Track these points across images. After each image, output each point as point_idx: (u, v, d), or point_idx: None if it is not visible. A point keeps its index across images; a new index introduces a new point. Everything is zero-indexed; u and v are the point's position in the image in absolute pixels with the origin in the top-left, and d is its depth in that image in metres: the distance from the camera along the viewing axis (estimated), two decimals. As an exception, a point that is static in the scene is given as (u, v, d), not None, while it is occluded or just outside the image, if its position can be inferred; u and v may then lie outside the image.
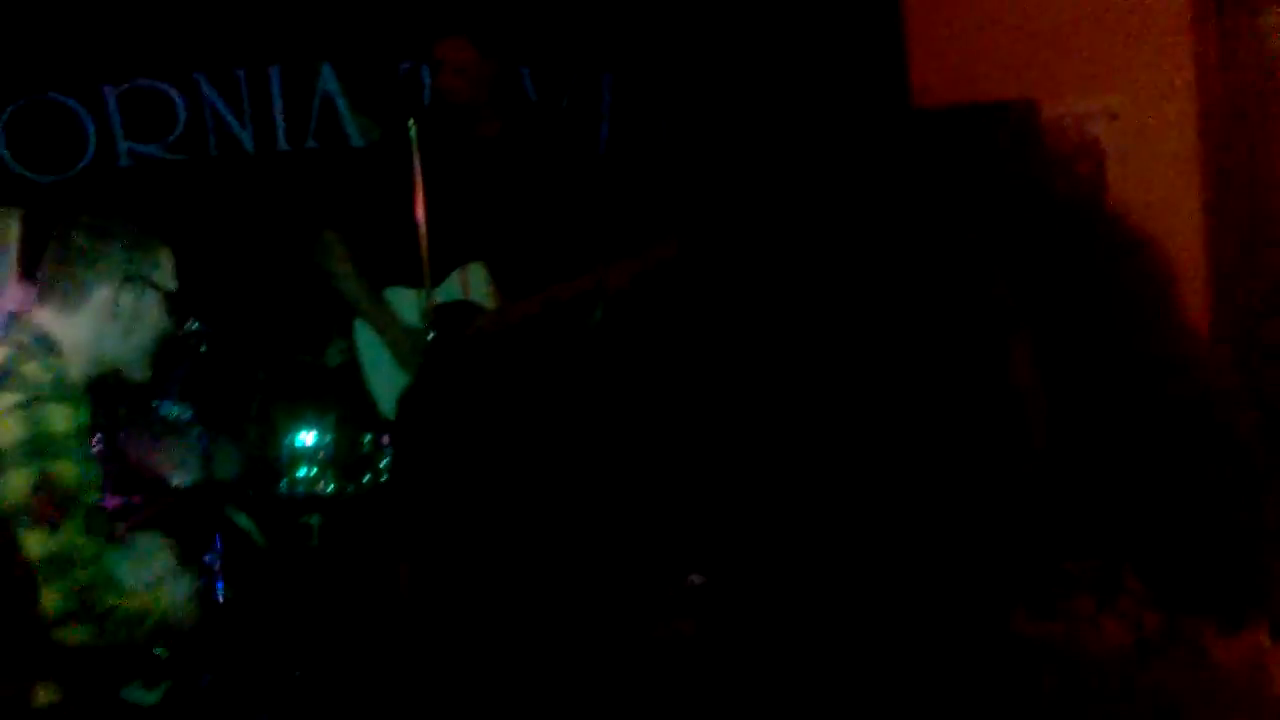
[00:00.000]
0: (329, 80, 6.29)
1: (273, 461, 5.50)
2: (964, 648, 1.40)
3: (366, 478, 5.46)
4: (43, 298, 4.03)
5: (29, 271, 4.85)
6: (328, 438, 5.45)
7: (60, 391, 3.83)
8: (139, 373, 4.16)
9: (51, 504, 3.72)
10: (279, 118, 6.28)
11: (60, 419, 3.78)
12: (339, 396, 5.62)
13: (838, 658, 1.40)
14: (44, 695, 3.92)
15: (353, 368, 5.59)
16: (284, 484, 5.47)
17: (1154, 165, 5.54)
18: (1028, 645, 1.34)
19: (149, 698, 4.51)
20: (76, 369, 3.96)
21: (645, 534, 4.76)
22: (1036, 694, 1.36)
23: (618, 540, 4.84)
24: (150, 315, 4.08)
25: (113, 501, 5.20)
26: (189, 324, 5.43)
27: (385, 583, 5.13)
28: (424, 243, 5.32)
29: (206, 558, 5.07)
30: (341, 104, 6.28)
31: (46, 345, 3.92)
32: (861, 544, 1.48)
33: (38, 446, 3.73)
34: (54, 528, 3.73)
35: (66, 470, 3.75)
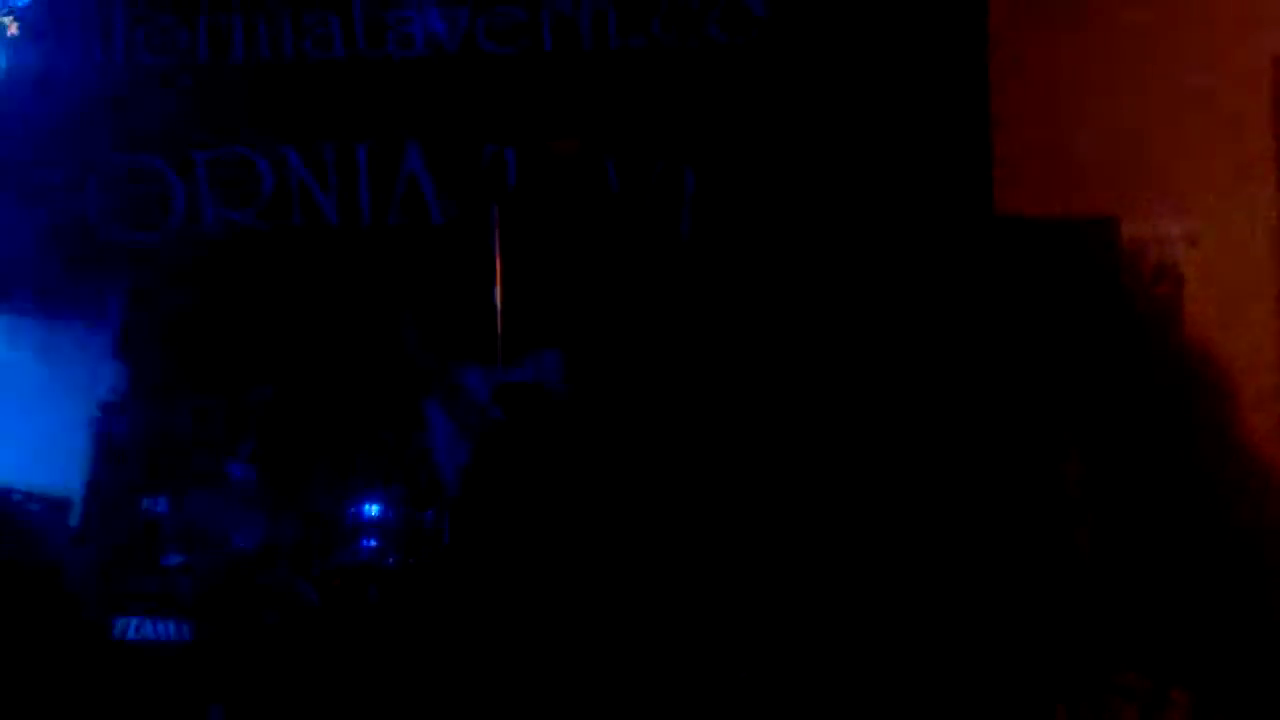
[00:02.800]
0: (414, 159, 6.36)
1: (336, 530, 5.53)
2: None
3: (428, 552, 5.48)
4: None
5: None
6: (392, 510, 5.48)
7: None
8: None
9: None
10: (364, 193, 6.35)
11: None
12: (405, 470, 5.66)
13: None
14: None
15: (421, 442, 5.62)
16: (347, 553, 5.50)
17: (1233, 291, 5.51)
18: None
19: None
20: None
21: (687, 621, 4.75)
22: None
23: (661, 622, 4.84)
24: None
25: (176, 559, 5.26)
26: (262, 388, 5.51)
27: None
28: (499, 323, 5.36)
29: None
30: (426, 182, 6.35)
31: None
32: (908, 635, 1.50)
33: None
34: None
35: None
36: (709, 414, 5.54)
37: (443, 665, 5.15)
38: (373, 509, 5.46)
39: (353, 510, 5.57)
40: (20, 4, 5.42)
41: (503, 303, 5.39)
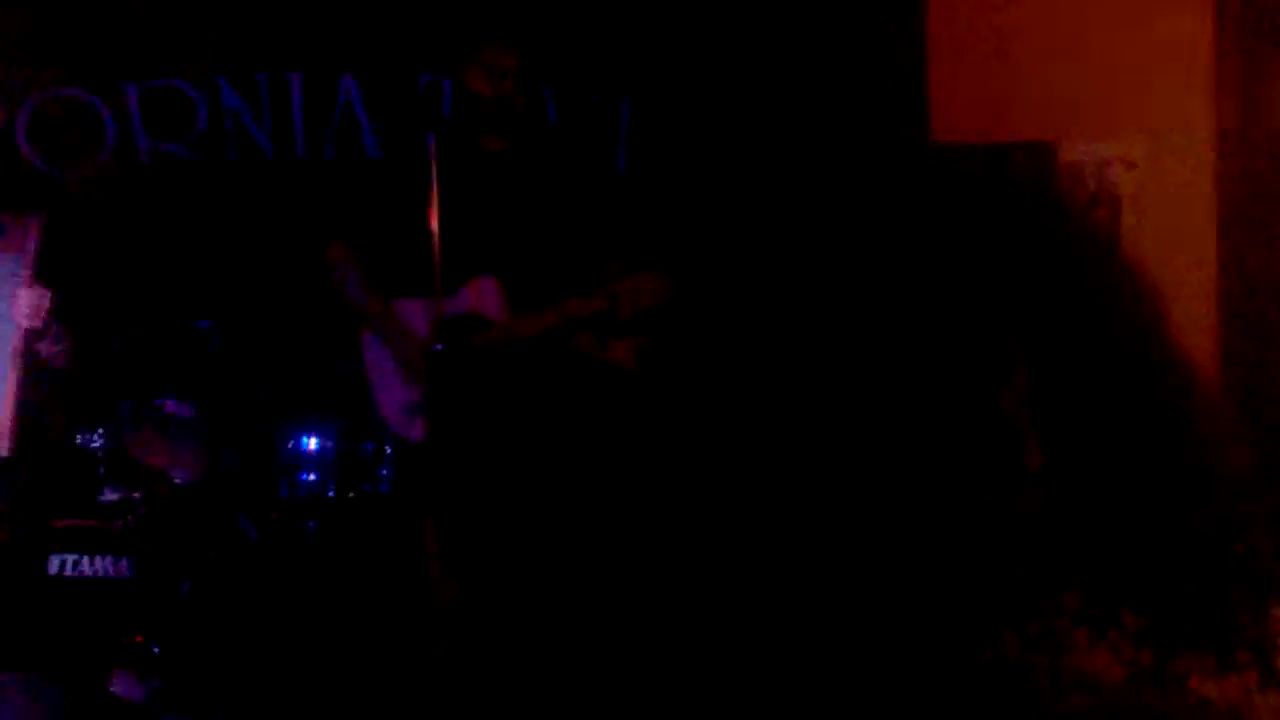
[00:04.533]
0: (349, 91, 6.31)
1: (275, 465, 5.50)
2: (948, 664, 1.41)
3: (368, 486, 5.46)
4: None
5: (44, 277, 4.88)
6: (330, 444, 5.46)
7: None
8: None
9: None
10: (299, 125, 6.29)
11: None
12: (344, 404, 5.63)
13: (827, 672, 1.40)
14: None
15: (359, 376, 5.58)
16: (285, 487, 5.47)
17: (1170, 214, 5.53)
18: (1014, 666, 1.35)
19: (137, 692, 4.52)
20: None
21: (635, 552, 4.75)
22: (1022, 710, 1.36)
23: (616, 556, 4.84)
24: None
25: (113, 496, 5.22)
26: (198, 322, 5.46)
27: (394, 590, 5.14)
28: (436, 255, 5.32)
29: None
30: (361, 114, 6.30)
31: None
32: (853, 558, 1.49)
33: None
34: None
35: None
36: (647, 339, 5.52)
37: (383, 599, 5.14)
38: (311, 442, 5.43)
39: (291, 444, 5.54)
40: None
41: (440, 234, 5.35)
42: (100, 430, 5.32)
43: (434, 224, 5.30)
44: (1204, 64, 5.64)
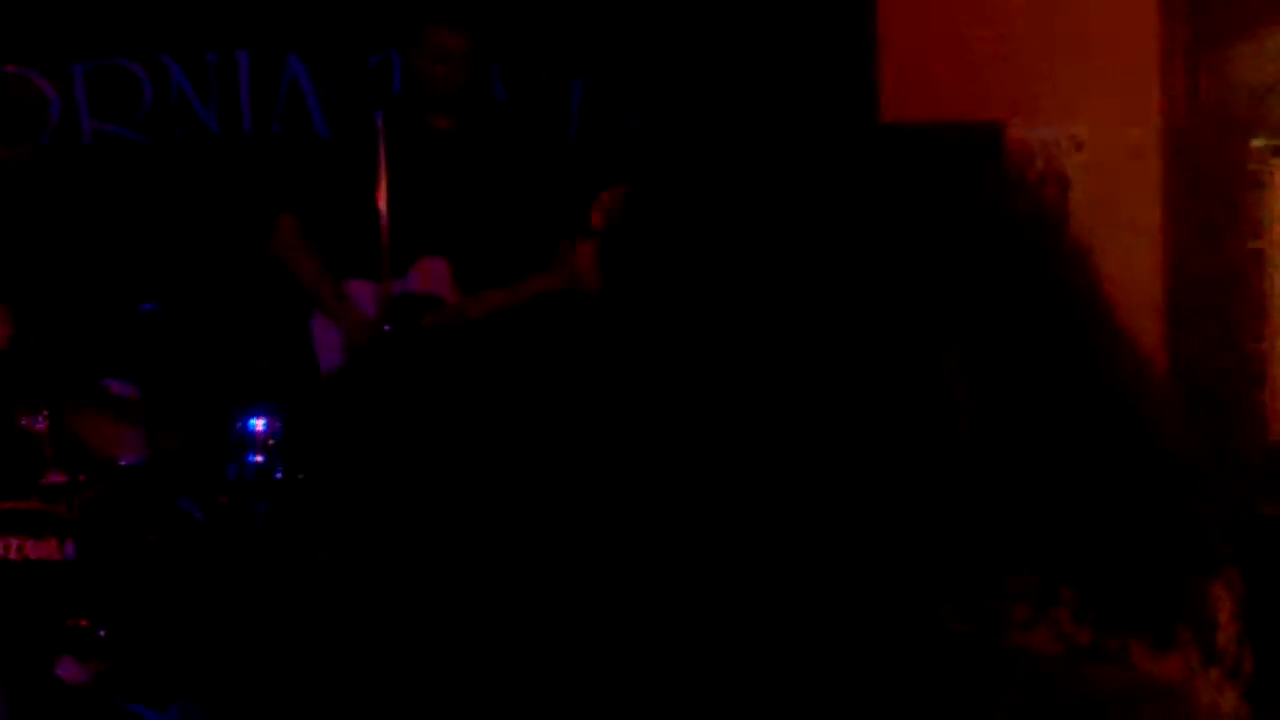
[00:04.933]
0: (296, 68, 6.27)
1: (221, 446, 5.47)
2: (883, 636, 1.39)
3: (313, 467, 5.43)
4: None
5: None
6: (278, 424, 5.42)
7: None
8: None
9: None
10: (245, 103, 6.26)
11: None
12: (291, 384, 5.60)
13: (759, 646, 1.39)
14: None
15: (307, 355, 5.56)
16: (232, 469, 5.44)
17: (1117, 194, 5.55)
18: (952, 639, 1.33)
19: (82, 676, 4.48)
20: None
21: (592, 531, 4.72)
22: (957, 683, 1.35)
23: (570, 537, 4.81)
24: None
25: (57, 478, 5.17)
26: (143, 303, 5.41)
27: (304, 573, 5.11)
28: (385, 234, 5.31)
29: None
30: (308, 92, 6.26)
31: None
32: (783, 531, 1.47)
33: None
34: None
35: None
36: (595, 317, 5.51)
37: (328, 581, 5.12)
38: (258, 423, 5.40)
39: (238, 425, 5.50)
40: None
41: (389, 213, 5.33)
42: (44, 412, 5.26)
43: (382, 203, 5.30)
44: (1149, 40, 5.66)
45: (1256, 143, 5.44)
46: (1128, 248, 5.26)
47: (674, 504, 1.35)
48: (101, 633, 4.84)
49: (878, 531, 1.51)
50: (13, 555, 5.01)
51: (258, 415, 5.48)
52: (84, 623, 4.86)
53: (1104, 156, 5.62)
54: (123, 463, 5.40)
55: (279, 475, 5.43)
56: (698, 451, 1.35)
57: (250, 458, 5.42)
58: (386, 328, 5.35)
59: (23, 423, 5.37)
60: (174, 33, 6.20)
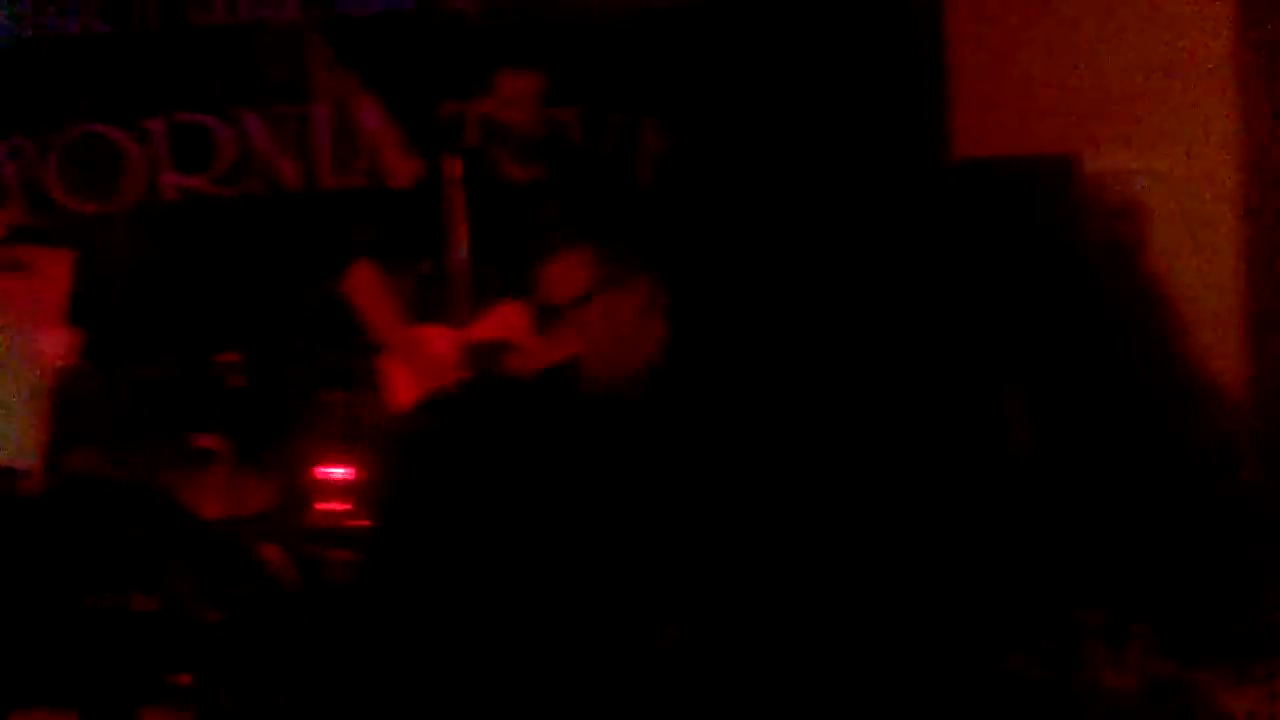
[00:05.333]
0: (373, 118, 6.33)
1: (302, 495, 5.51)
2: (951, 681, 1.39)
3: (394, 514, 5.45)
4: None
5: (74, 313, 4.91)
6: (358, 472, 5.46)
7: None
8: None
9: None
10: (323, 154, 6.33)
11: None
12: (370, 431, 5.63)
13: (829, 689, 1.39)
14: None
15: (380, 401, 5.59)
16: (314, 517, 5.48)
17: (1193, 226, 5.51)
18: (1023, 684, 1.33)
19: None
20: None
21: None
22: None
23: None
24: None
25: (139, 532, 5.23)
26: (224, 356, 5.47)
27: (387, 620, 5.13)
28: (461, 281, 5.34)
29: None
30: (383, 142, 6.32)
31: None
32: (853, 569, 1.47)
33: None
34: None
35: None
36: (672, 360, 5.52)
37: (411, 628, 5.13)
38: (338, 471, 5.44)
39: (320, 473, 5.55)
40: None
41: (464, 260, 5.37)
42: (129, 467, 5.33)
43: (458, 251, 5.33)
44: (1226, 72, 5.62)
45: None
46: (1207, 278, 5.22)
47: (736, 537, 1.35)
48: (189, 683, 4.88)
49: (947, 570, 1.51)
50: (101, 605, 5.06)
51: (337, 463, 5.52)
52: (174, 674, 4.91)
53: (1181, 190, 5.58)
54: (208, 515, 5.46)
55: (360, 523, 5.47)
56: (762, 491, 1.35)
57: (331, 505, 5.45)
58: (462, 374, 5.37)
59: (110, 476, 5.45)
60: (250, 87, 6.29)
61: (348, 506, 5.48)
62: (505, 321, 5.55)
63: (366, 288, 5.58)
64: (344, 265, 5.63)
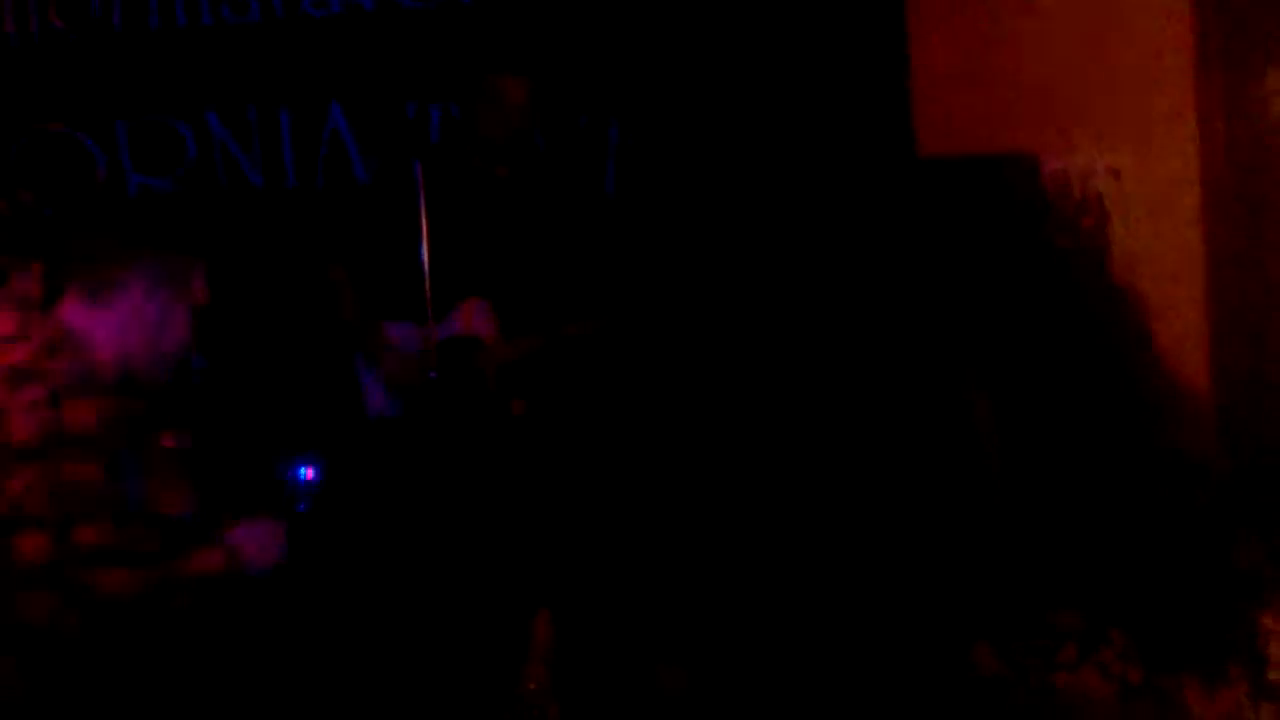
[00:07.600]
0: (337, 119, 6.34)
1: (271, 494, 5.52)
2: (924, 682, 1.42)
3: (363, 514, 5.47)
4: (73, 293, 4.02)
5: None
6: (325, 472, 5.47)
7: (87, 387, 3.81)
8: (160, 377, 4.16)
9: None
10: (288, 155, 6.32)
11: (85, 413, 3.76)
12: (339, 431, 5.65)
13: (800, 690, 1.41)
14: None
15: (354, 402, 5.60)
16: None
17: (1156, 223, 5.54)
18: (996, 686, 1.35)
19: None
20: (103, 367, 3.95)
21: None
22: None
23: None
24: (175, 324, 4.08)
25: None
26: (194, 357, 5.46)
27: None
28: (427, 280, 5.35)
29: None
30: (349, 142, 6.33)
31: (73, 342, 3.91)
32: (818, 574, 1.49)
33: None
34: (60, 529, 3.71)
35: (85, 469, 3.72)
36: (638, 360, 5.55)
37: (378, 629, 5.16)
38: (306, 472, 5.45)
39: (288, 474, 5.55)
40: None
41: (430, 259, 5.38)
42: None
43: (425, 249, 5.34)
44: (1186, 69, 5.66)
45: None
46: (1168, 277, 5.26)
47: (712, 539, 1.37)
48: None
49: (904, 568, 1.53)
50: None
51: (306, 464, 5.52)
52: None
53: (1143, 187, 5.62)
54: (172, 514, 5.46)
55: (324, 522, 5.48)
56: (731, 490, 1.37)
57: (300, 508, 5.46)
58: (431, 370, 5.39)
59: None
60: (215, 88, 6.30)
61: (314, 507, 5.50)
62: (472, 317, 5.58)
63: (336, 287, 5.60)
64: (313, 264, 5.65)
